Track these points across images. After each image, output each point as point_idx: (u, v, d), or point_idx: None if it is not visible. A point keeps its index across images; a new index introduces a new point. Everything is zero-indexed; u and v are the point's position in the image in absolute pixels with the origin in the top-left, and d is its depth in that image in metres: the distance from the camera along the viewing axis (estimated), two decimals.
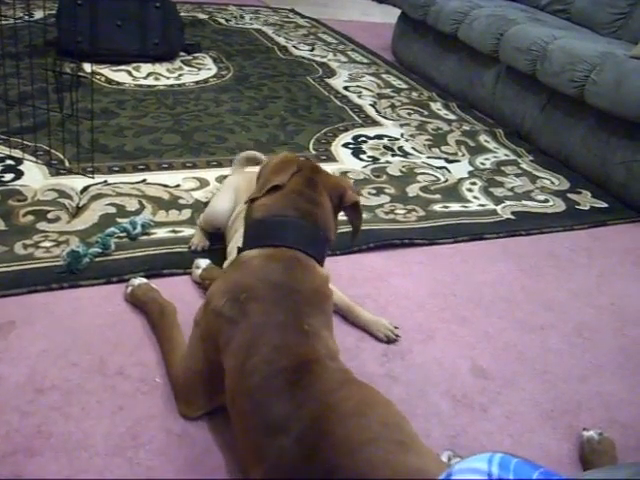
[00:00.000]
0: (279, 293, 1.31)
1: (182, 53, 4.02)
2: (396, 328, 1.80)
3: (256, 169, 1.66)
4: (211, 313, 1.36)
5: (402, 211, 2.45)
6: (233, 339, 1.29)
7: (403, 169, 2.82)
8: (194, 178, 2.48)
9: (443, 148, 3.12)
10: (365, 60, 4.55)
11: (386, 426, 1.12)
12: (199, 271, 1.89)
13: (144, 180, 2.41)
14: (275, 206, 1.42)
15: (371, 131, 3.23)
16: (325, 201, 1.46)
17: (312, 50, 4.66)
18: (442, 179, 2.78)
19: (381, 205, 2.47)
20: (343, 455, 1.04)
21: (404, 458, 1.05)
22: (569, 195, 2.80)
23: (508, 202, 2.65)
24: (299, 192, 1.43)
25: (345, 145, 3.01)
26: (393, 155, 2.97)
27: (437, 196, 2.61)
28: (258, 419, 1.17)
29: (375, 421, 1.12)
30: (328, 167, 2.71)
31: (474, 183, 2.78)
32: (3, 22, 3.92)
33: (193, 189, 2.39)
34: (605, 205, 2.76)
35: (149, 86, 3.44)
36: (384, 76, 4.20)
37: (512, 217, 2.53)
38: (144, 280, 1.82)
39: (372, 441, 1.07)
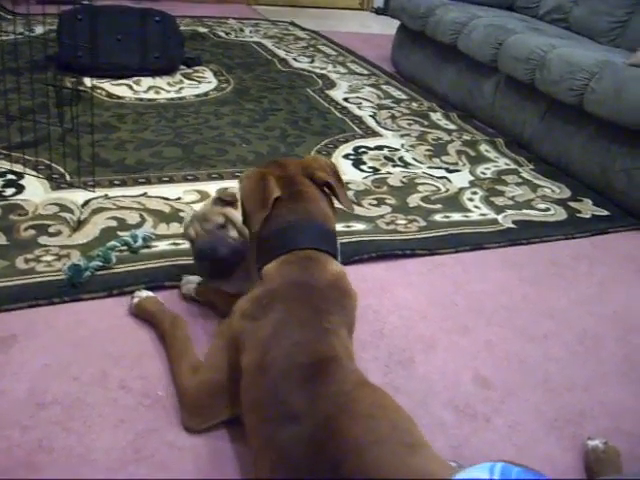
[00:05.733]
0: (298, 291, 1.36)
1: (182, 67, 4.03)
2: None
3: None
4: (236, 317, 1.42)
5: (403, 221, 2.45)
6: (254, 335, 1.33)
7: (404, 179, 2.82)
8: (195, 191, 2.48)
9: (444, 158, 3.12)
10: (365, 71, 4.56)
11: (395, 429, 1.14)
12: (193, 286, 1.87)
13: (145, 193, 2.42)
14: (274, 220, 1.47)
15: (371, 142, 3.23)
16: (311, 190, 1.53)
17: (312, 62, 4.68)
18: (443, 189, 2.78)
19: (382, 216, 2.47)
20: (350, 453, 1.07)
21: (411, 460, 1.07)
22: (570, 203, 2.80)
23: (509, 211, 2.64)
24: (288, 198, 1.49)
25: (346, 156, 3.01)
26: (394, 166, 2.97)
27: (438, 206, 2.61)
28: (273, 410, 1.20)
29: (385, 424, 1.15)
30: None
31: (475, 193, 2.78)
32: (4, 37, 3.95)
33: (194, 202, 2.39)
34: (606, 213, 2.76)
35: (150, 100, 3.45)
36: (384, 87, 4.21)
37: (513, 226, 2.53)
38: (150, 293, 1.82)
39: (380, 442, 1.09)
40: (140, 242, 2.05)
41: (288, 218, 1.47)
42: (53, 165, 2.52)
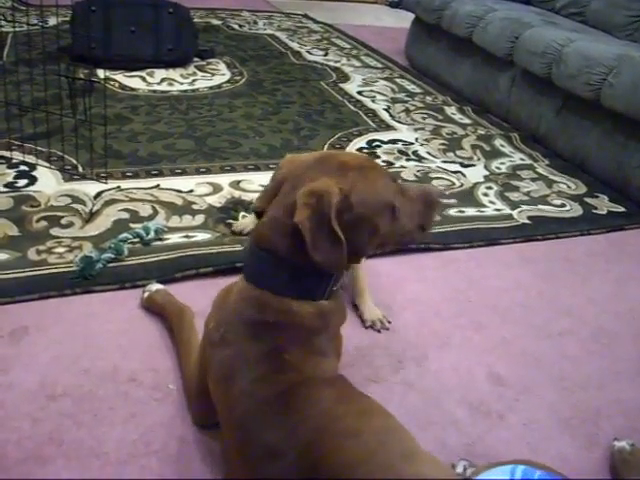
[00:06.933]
0: (251, 330, 1.21)
1: (196, 59, 4.02)
2: (389, 322, 1.82)
3: None
4: (206, 326, 1.34)
5: None
6: (212, 360, 1.26)
7: (418, 173, 2.80)
8: (207, 183, 2.47)
9: (458, 152, 3.10)
10: (379, 65, 4.53)
11: (384, 442, 1.09)
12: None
13: (157, 185, 2.41)
14: (253, 234, 1.29)
15: (385, 136, 3.20)
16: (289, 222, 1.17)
17: (325, 55, 4.65)
18: (457, 183, 2.75)
19: None
20: (343, 472, 1.03)
21: (407, 467, 1.04)
22: (586, 199, 2.77)
23: (524, 207, 2.61)
24: (270, 219, 1.22)
25: (359, 150, 2.99)
26: (408, 159, 2.95)
27: (452, 200, 2.58)
28: (249, 451, 1.14)
29: (372, 438, 1.09)
30: None
31: (490, 187, 2.75)
32: (17, 29, 3.95)
33: (206, 194, 2.38)
34: (623, 209, 2.72)
35: (163, 92, 3.44)
36: (398, 80, 4.19)
37: (528, 222, 2.50)
38: (161, 286, 1.81)
39: (371, 456, 1.05)
40: (152, 234, 2.04)
41: (258, 243, 1.23)
42: (66, 156, 2.51)
